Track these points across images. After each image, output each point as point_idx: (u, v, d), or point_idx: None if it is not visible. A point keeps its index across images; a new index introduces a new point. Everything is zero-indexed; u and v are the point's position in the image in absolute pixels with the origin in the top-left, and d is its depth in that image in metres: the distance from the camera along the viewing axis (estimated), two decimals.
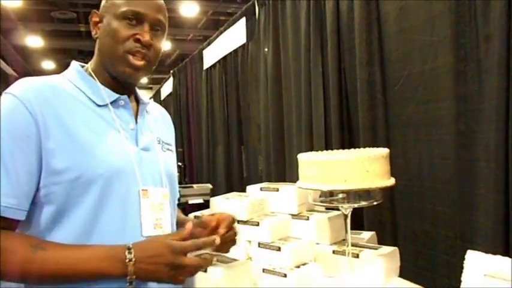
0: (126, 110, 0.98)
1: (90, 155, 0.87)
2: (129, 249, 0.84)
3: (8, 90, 0.86)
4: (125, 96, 0.98)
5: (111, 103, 0.95)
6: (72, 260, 0.82)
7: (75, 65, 0.99)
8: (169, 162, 1.06)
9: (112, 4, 0.95)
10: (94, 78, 0.96)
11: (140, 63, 0.94)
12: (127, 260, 0.82)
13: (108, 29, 0.94)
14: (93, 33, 0.98)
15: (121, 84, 0.97)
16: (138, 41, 0.93)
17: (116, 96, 0.96)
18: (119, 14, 0.93)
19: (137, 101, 1.04)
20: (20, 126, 0.83)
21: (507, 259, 0.84)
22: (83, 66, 1.00)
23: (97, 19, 0.97)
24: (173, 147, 1.13)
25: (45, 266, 0.81)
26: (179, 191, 1.24)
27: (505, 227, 1.17)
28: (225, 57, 3.40)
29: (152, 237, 0.91)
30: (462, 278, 0.90)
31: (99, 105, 0.94)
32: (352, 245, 1.27)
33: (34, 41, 8.14)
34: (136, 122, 0.99)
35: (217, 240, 0.90)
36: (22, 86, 0.87)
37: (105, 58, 0.96)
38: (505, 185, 1.16)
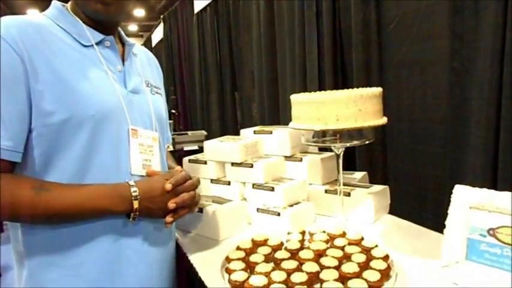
0: (112, 51, 0.96)
1: (79, 96, 0.86)
2: (132, 186, 0.87)
3: None
4: (111, 37, 0.95)
5: (97, 44, 0.93)
6: (77, 199, 0.85)
7: (56, 3, 0.95)
8: (159, 105, 1.06)
9: None
10: (76, 18, 0.93)
11: None
12: (133, 198, 0.87)
13: None
14: None
15: (101, 23, 0.94)
16: None
17: (101, 36, 0.93)
18: None
19: (122, 43, 1.01)
20: (7, 67, 0.80)
21: (492, 191, 0.87)
22: (63, 6, 0.96)
23: None
24: (162, 91, 1.12)
25: (50, 206, 0.83)
26: (173, 138, 1.26)
27: (493, 164, 1.19)
28: (216, 0, 3.27)
29: (150, 177, 0.95)
30: (449, 211, 0.93)
31: (85, 46, 0.91)
32: (344, 185, 1.30)
33: None
34: (123, 64, 0.97)
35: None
36: (5, 25, 0.83)
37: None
38: (496, 123, 1.17)
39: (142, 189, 0.89)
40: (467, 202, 0.89)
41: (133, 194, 0.88)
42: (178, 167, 1.06)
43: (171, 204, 0.91)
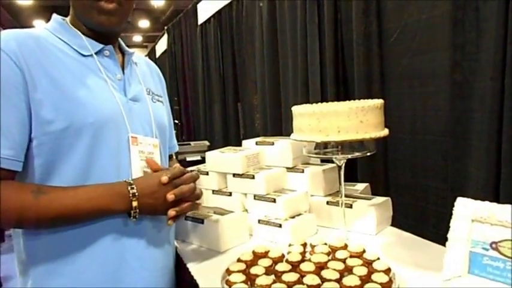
0: (112, 60, 0.97)
1: (78, 104, 0.87)
2: (130, 184, 0.87)
3: None
4: (110, 46, 0.96)
5: (96, 53, 0.94)
6: (74, 200, 0.85)
7: (55, 17, 0.98)
8: (160, 112, 1.07)
9: None
10: (75, 30, 0.95)
11: (111, 6, 0.91)
12: (131, 195, 0.86)
13: None
14: None
15: (102, 34, 0.96)
16: None
17: (100, 46, 0.95)
18: None
19: (122, 52, 1.03)
20: (7, 77, 0.82)
21: (494, 204, 0.86)
22: (63, 19, 0.98)
23: None
24: (164, 99, 1.13)
25: (48, 209, 0.83)
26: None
27: (496, 176, 1.18)
28: (219, 12, 3.30)
29: (148, 174, 0.95)
30: (451, 224, 0.92)
31: (84, 55, 0.93)
32: (346, 196, 1.30)
33: None
34: (123, 72, 0.98)
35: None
36: (4, 37, 0.85)
37: (77, 9, 0.94)
38: (497, 135, 1.16)
39: (140, 186, 0.88)
40: (469, 215, 0.88)
41: (131, 191, 0.87)
42: (177, 164, 1.05)
43: (170, 196, 0.89)
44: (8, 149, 0.82)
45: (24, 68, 0.83)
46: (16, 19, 9.27)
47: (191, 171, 1.00)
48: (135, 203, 0.87)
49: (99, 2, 0.91)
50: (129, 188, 0.87)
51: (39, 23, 9.60)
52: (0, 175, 0.82)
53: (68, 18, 0.98)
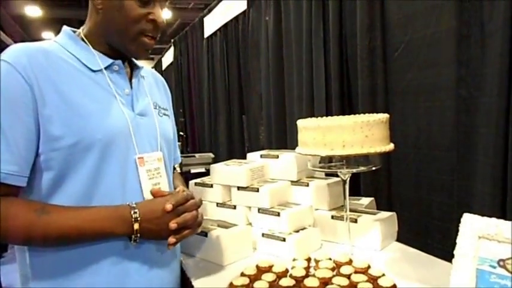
0: (121, 75, 0.97)
1: (87, 120, 0.87)
2: (133, 208, 0.87)
3: (1, 56, 0.85)
4: (119, 61, 0.97)
5: (105, 68, 0.95)
6: (77, 222, 0.85)
7: (66, 30, 0.98)
8: (166, 126, 1.07)
9: None
10: (87, 44, 0.95)
11: (152, 42, 0.96)
12: (133, 220, 0.87)
13: (118, 4, 0.91)
14: (95, 2, 0.93)
15: (115, 50, 0.97)
16: (152, 21, 0.93)
17: (110, 61, 0.95)
18: None
19: (131, 66, 1.03)
20: (16, 93, 0.83)
21: (501, 221, 0.85)
22: (74, 32, 0.98)
23: None
24: (170, 112, 1.13)
25: (51, 229, 0.83)
26: (181, 161, 1.26)
27: (503, 192, 1.17)
28: (226, 25, 3.33)
29: (152, 199, 0.94)
30: (457, 240, 0.91)
31: (94, 71, 0.93)
32: (351, 211, 1.29)
33: (33, 10, 8.02)
34: (131, 87, 0.99)
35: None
36: (14, 52, 0.86)
37: (111, 34, 0.95)
38: (504, 151, 1.16)
39: (143, 211, 0.88)
40: (476, 232, 0.87)
41: (134, 215, 0.87)
42: (181, 187, 1.06)
43: (173, 225, 0.90)
44: (14, 164, 0.82)
45: (34, 84, 0.84)
46: (25, 31, 9.40)
47: (193, 193, 1.01)
48: (136, 226, 0.87)
49: (144, 38, 0.93)
50: (132, 212, 0.87)
51: (48, 35, 9.73)
52: (4, 190, 0.82)
53: (80, 31, 0.98)
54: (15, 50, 0.86)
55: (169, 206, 0.90)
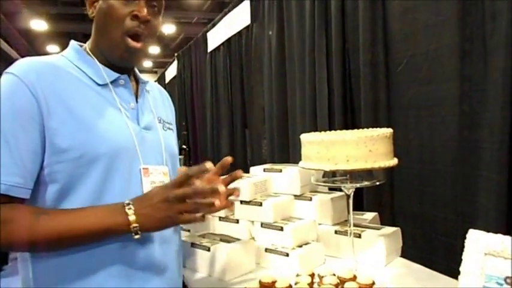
0: (126, 89, 0.98)
1: (92, 133, 0.88)
2: (128, 204, 0.85)
3: (8, 70, 0.87)
4: (125, 76, 0.98)
5: (111, 82, 0.96)
6: (75, 220, 0.84)
7: (73, 44, 0.99)
8: (170, 141, 1.07)
9: None
10: (93, 58, 0.96)
11: (138, 45, 0.94)
12: (127, 209, 0.84)
13: (104, 6, 0.93)
14: (89, 12, 0.97)
15: (121, 66, 0.98)
16: (135, 17, 0.92)
17: (116, 75, 0.96)
18: None
19: (136, 80, 1.04)
20: (22, 106, 0.83)
21: (507, 237, 0.84)
22: (81, 46, 1.00)
23: None
24: (173, 126, 1.14)
25: (49, 229, 0.83)
26: None
27: (508, 208, 1.17)
28: (229, 40, 3.37)
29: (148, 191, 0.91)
30: (463, 257, 0.90)
31: (100, 85, 0.94)
32: (355, 226, 1.28)
33: (38, 24, 8.12)
34: (136, 101, 1.00)
35: (208, 165, 0.89)
36: (22, 66, 0.87)
37: (102, 40, 0.96)
38: (508, 166, 1.15)
39: (137, 199, 0.86)
40: (482, 248, 0.86)
41: (127, 206, 0.84)
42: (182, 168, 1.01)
43: (220, 187, 0.84)
44: (18, 176, 0.82)
45: (41, 98, 0.84)
46: (31, 44, 9.51)
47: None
48: (131, 214, 0.83)
49: (129, 39, 0.92)
50: (125, 203, 0.85)
51: (53, 49, 9.83)
52: (8, 202, 0.82)
53: (86, 45, 0.99)
54: (24, 64, 0.87)
55: (165, 186, 0.86)
